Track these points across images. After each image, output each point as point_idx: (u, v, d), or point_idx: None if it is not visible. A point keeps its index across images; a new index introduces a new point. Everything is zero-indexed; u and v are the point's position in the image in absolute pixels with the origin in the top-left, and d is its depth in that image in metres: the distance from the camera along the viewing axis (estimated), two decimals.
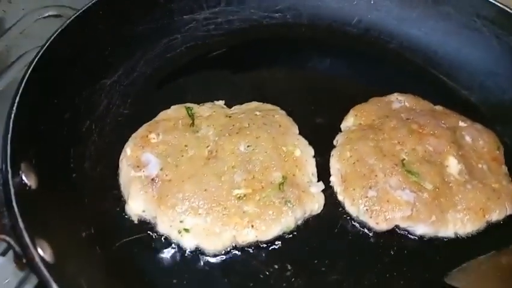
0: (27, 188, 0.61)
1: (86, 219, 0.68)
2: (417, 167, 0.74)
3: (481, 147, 0.79)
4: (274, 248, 0.70)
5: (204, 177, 0.72)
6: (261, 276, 0.67)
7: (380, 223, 0.71)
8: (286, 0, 1.04)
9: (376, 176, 0.73)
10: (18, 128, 0.63)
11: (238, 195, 0.70)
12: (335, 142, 0.82)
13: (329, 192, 0.75)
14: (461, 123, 0.82)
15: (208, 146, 0.76)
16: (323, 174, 0.77)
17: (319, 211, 0.73)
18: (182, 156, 0.74)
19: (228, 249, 0.69)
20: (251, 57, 1.00)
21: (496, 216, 0.73)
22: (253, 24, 1.03)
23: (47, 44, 0.75)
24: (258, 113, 0.82)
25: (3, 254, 0.75)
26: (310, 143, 0.80)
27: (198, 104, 0.84)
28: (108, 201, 0.72)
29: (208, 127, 0.79)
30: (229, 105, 0.86)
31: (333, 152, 0.79)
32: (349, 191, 0.74)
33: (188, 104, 0.83)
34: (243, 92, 0.91)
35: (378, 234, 0.73)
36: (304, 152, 0.78)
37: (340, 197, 0.75)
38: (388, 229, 0.71)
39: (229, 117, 0.81)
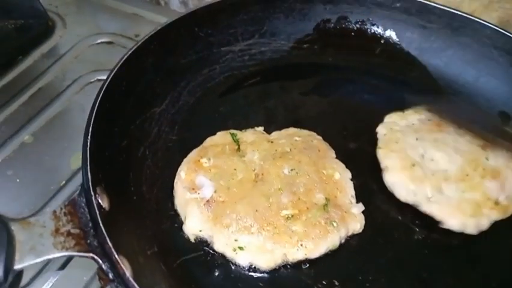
0: (103, 209, 0.67)
1: (149, 239, 0.74)
2: None
3: None
4: (321, 265, 0.75)
5: (253, 199, 0.78)
6: None
7: None
8: (313, 33, 1.12)
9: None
10: (91, 154, 0.70)
11: (286, 216, 0.76)
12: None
13: (367, 213, 0.81)
14: None
15: (254, 170, 0.82)
16: (361, 196, 0.83)
17: (360, 231, 0.79)
18: (233, 179, 0.80)
19: (279, 266, 0.74)
20: (282, 84, 1.07)
21: None
22: (283, 54, 1.11)
23: (109, 78, 0.81)
24: (297, 138, 0.89)
25: (63, 267, 0.82)
26: (346, 167, 0.86)
27: (240, 130, 0.91)
28: (166, 221, 0.78)
29: (253, 152, 0.85)
30: (267, 130, 0.93)
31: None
32: None
33: (232, 131, 0.90)
34: (278, 118, 0.98)
35: (416, 251, 0.79)
36: (342, 175, 0.84)
37: None
38: None
39: (271, 142, 0.87)
